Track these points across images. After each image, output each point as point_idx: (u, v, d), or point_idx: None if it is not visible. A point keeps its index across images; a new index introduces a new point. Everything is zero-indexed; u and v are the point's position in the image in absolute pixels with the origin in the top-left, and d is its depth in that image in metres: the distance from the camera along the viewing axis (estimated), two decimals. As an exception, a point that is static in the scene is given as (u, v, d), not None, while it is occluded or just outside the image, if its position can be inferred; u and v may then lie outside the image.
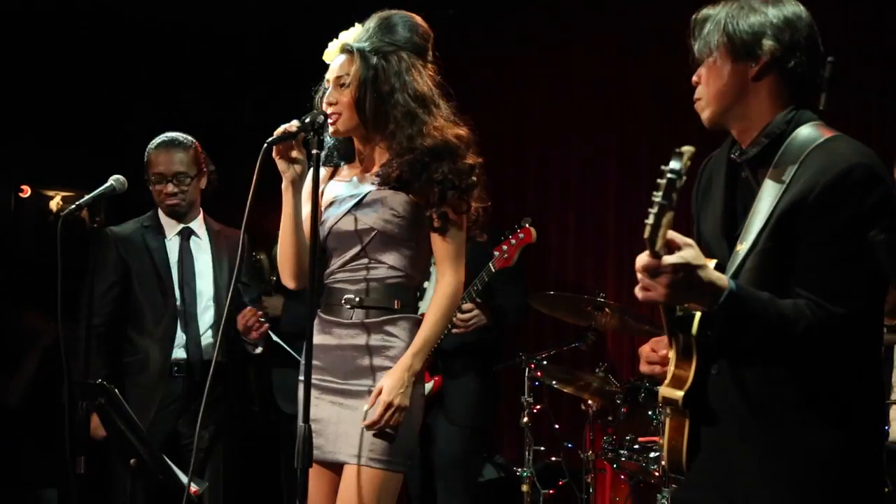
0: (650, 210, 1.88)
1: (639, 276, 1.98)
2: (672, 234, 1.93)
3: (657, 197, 1.86)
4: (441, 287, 2.86)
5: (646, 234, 1.91)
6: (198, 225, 3.85)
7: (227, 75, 5.51)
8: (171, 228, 3.81)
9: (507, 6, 5.51)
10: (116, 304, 3.75)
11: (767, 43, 2.17)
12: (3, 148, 5.14)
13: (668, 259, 1.92)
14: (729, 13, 2.19)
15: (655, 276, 1.94)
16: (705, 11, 2.24)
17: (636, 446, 3.88)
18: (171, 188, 3.72)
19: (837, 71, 2.75)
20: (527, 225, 4.20)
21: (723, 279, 2.00)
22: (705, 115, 2.24)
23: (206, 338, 3.77)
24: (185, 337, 3.71)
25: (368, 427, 2.70)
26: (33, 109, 5.08)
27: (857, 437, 2.15)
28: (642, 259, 1.94)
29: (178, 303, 3.74)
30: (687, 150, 1.87)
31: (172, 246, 3.79)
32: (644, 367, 2.33)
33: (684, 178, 1.85)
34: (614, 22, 5.29)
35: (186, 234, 3.81)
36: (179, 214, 3.80)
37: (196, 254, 3.81)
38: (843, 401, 2.14)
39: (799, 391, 2.13)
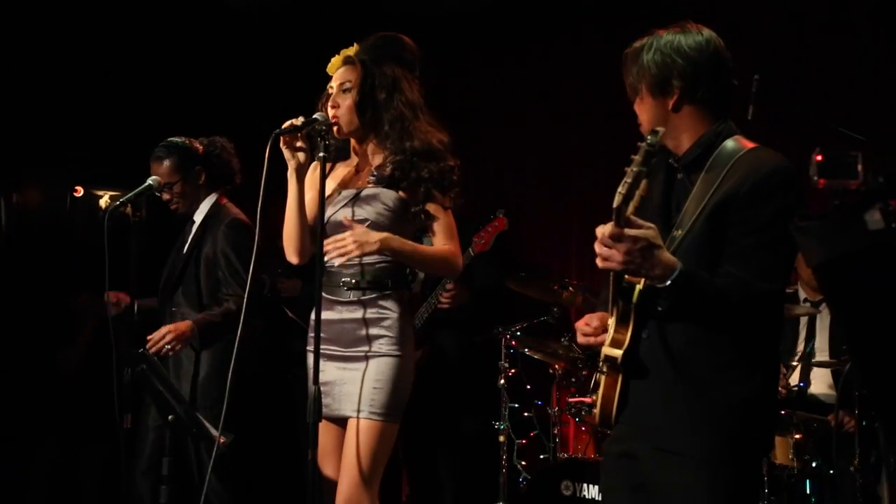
0: (625, 180, 1.93)
1: (598, 247, 2.02)
2: (634, 218, 1.99)
3: (636, 166, 1.94)
4: (443, 247, 2.87)
5: (616, 203, 1.96)
6: (198, 214, 3.79)
7: (253, 87, 5.50)
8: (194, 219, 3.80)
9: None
10: None
11: (675, 82, 2.23)
12: (60, 155, 5.14)
13: (631, 231, 1.97)
14: (645, 57, 2.26)
15: (617, 242, 1.97)
16: (635, 47, 2.30)
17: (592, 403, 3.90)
18: (165, 196, 3.68)
19: (763, 87, 2.75)
20: (500, 215, 4.24)
21: (674, 259, 2.04)
22: (660, 131, 2.27)
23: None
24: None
25: (335, 248, 2.69)
26: (84, 121, 5.06)
27: (760, 392, 2.22)
28: (606, 227, 1.98)
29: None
30: (660, 129, 2.00)
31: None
32: (581, 339, 2.36)
33: (658, 149, 1.95)
34: (570, 31, 5.30)
35: (190, 225, 3.79)
36: (184, 214, 3.78)
37: (188, 240, 3.77)
38: (751, 363, 2.20)
39: (717, 354, 2.19)
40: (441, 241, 2.88)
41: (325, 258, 2.74)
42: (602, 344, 2.27)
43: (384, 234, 2.72)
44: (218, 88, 5.39)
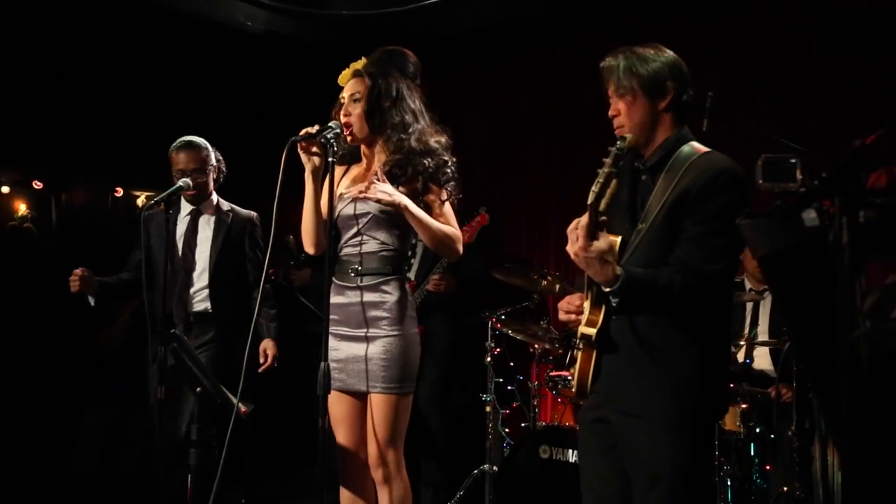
0: (598, 180, 1.97)
1: (569, 231, 2.09)
2: (602, 233, 2.05)
3: (607, 167, 1.99)
4: (449, 227, 2.84)
5: (590, 200, 1.99)
6: (206, 206, 3.75)
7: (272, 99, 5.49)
8: (185, 209, 3.73)
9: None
10: None
11: (670, 83, 2.22)
12: (103, 160, 5.13)
13: (594, 246, 2.04)
14: (631, 62, 2.24)
15: (584, 251, 2.05)
16: (609, 61, 2.28)
17: (568, 378, 3.89)
18: (188, 180, 3.58)
19: (715, 102, 2.75)
20: (483, 211, 4.25)
21: (617, 273, 2.09)
22: (628, 139, 2.26)
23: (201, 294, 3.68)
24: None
25: (361, 191, 2.68)
26: (124, 132, 5.05)
27: (712, 365, 2.23)
28: (582, 219, 2.06)
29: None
30: (629, 137, 2.08)
31: (182, 223, 3.71)
32: (562, 317, 2.37)
33: (627, 154, 2.04)
34: (547, 48, 5.28)
35: (195, 215, 3.72)
36: (196, 201, 3.72)
37: (200, 230, 3.72)
38: (704, 340, 2.21)
39: (675, 333, 2.20)
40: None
41: (352, 195, 2.72)
42: (580, 322, 2.29)
43: (406, 199, 2.70)
44: (236, 101, 5.37)
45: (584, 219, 2.05)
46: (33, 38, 4.75)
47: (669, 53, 2.28)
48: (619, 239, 2.17)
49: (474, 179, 5.33)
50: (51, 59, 4.83)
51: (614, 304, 2.14)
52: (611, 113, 2.29)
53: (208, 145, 3.74)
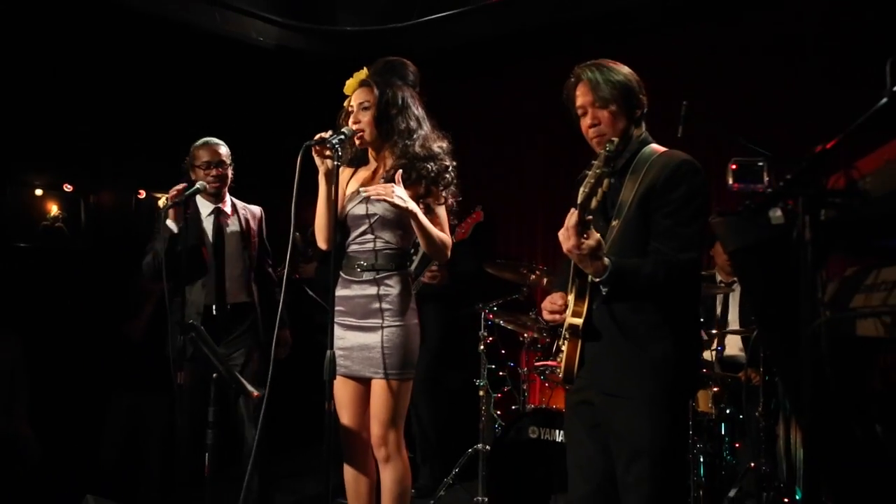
0: (588, 180, 1.97)
1: (561, 233, 2.08)
2: (591, 230, 2.06)
3: (598, 168, 2.01)
4: (444, 234, 2.85)
5: (580, 199, 1.98)
6: (225, 204, 3.70)
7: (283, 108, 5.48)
8: (206, 208, 3.65)
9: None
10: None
11: (641, 96, 2.25)
12: (127, 164, 5.13)
13: (585, 244, 2.04)
14: (611, 75, 2.26)
15: (577, 249, 2.04)
16: (586, 75, 2.29)
17: (555, 367, 3.90)
18: (214, 172, 3.57)
19: (689, 111, 2.76)
20: (478, 209, 4.25)
21: (606, 263, 2.10)
22: (616, 142, 2.27)
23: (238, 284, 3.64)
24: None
25: (374, 192, 2.67)
26: (145, 138, 5.05)
27: (685, 347, 2.25)
28: (572, 218, 2.05)
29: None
30: (616, 140, 2.06)
31: (208, 221, 3.64)
32: (547, 316, 2.36)
33: (616, 156, 2.04)
34: (535, 61, 5.26)
35: (217, 213, 3.66)
36: (218, 196, 3.64)
37: (226, 225, 3.67)
38: (677, 325, 2.23)
39: (651, 318, 2.22)
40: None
41: (369, 194, 2.69)
42: (564, 319, 2.30)
43: (414, 205, 2.70)
44: (249, 111, 5.37)
45: (573, 219, 2.04)
46: (65, 58, 4.75)
47: (626, 68, 2.32)
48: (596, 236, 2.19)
49: (469, 181, 5.33)
50: (80, 76, 4.84)
51: (604, 293, 2.15)
52: (590, 122, 2.28)
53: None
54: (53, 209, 5.09)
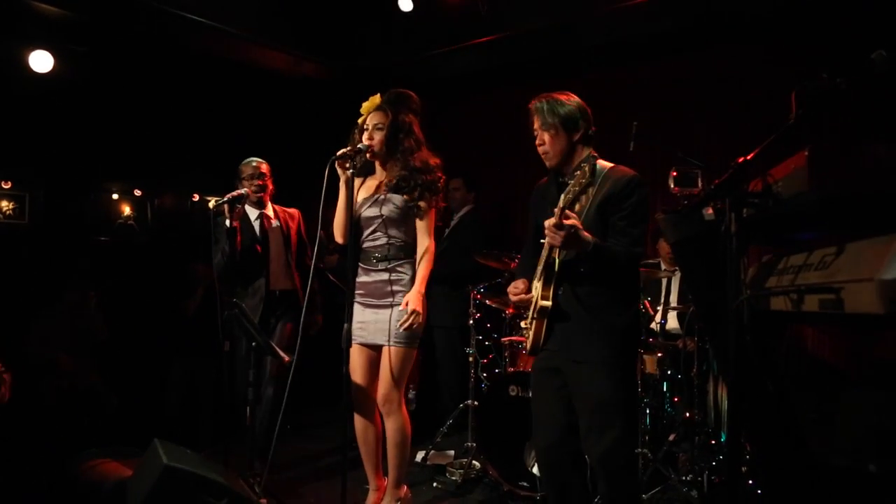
0: (573, 188, 1.95)
1: (548, 231, 2.08)
2: (570, 212, 2.05)
3: (584, 178, 2.02)
4: (423, 249, 2.83)
5: (561, 204, 1.97)
6: (268, 208, 3.69)
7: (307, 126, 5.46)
8: (253, 213, 3.65)
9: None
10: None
11: (581, 122, 2.23)
12: (183, 174, 5.12)
13: (567, 222, 2.03)
14: (552, 106, 2.26)
15: (560, 230, 2.02)
16: (535, 105, 2.29)
17: (519, 343, 3.88)
18: (257, 183, 3.58)
19: (639, 130, 2.75)
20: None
21: (590, 237, 2.09)
22: (552, 162, 2.31)
23: (285, 273, 3.63)
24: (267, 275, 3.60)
25: (405, 327, 2.72)
26: (197, 152, 5.03)
27: (634, 318, 2.27)
28: (552, 220, 2.05)
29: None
30: (595, 155, 2.11)
31: (256, 223, 3.64)
32: (514, 299, 2.36)
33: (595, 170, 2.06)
34: (522, 87, 5.22)
35: (261, 216, 3.65)
36: (260, 202, 3.64)
37: (271, 225, 3.66)
38: (626, 301, 2.25)
39: (607, 296, 2.21)
40: (422, 231, 2.85)
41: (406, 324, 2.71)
42: (527, 299, 2.31)
43: (416, 292, 2.73)
44: (278, 131, 5.33)
45: (554, 219, 2.05)
46: (136, 91, 4.74)
47: (576, 99, 2.31)
48: None
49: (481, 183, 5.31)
50: (148, 105, 4.82)
51: (583, 269, 2.16)
52: (538, 142, 2.31)
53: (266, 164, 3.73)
54: (126, 210, 5.09)
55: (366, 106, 2.87)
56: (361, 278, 2.83)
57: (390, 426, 2.82)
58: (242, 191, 3.45)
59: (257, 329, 2.96)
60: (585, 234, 2.08)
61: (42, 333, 4.12)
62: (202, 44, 4.51)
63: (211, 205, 3.45)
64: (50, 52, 4.25)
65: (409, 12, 4.62)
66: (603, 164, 2.28)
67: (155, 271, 4.85)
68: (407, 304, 2.74)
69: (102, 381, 4.20)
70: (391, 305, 2.78)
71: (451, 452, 4.05)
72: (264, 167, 3.64)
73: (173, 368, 4.46)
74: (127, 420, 4.09)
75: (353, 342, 2.79)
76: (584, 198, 1.97)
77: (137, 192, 5.10)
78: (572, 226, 2.03)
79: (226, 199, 3.35)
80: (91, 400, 4.09)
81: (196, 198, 5.31)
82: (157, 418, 4.29)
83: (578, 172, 1.98)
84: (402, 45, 5.04)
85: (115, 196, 5.04)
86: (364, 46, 5.19)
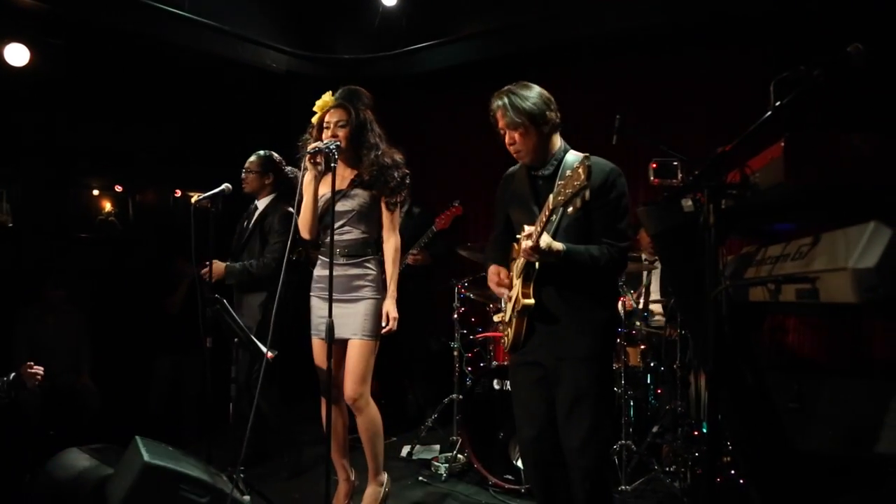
0: (564, 190, 1.88)
1: (523, 251, 2.09)
2: (546, 235, 2.05)
3: (580, 181, 1.84)
4: (389, 245, 2.85)
5: (551, 206, 1.98)
6: (262, 202, 3.71)
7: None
8: (262, 205, 3.70)
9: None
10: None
11: (549, 114, 2.19)
12: (167, 169, 5.06)
13: (541, 243, 2.04)
14: (519, 102, 2.17)
15: (536, 252, 2.04)
16: (497, 103, 2.22)
17: (501, 339, 3.88)
18: (242, 175, 3.67)
19: (622, 123, 2.73)
20: (457, 204, 4.20)
21: (561, 247, 2.09)
22: (526, 158, 2.26)
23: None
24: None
25: (386, 332, 2.77)
26: (179, 148, 4.98)
27: (614, 313, 2.28)
28: (529, 243, 2.05)
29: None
30: (589, 156, 1.88)
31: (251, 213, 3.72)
32: (495, 289, 2.34)
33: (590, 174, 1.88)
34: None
35: (253, 208, 3.71)
36: (248, 195, 3.70)
37: (253, 217, 3.69)
38: (605, 299, 2.24)
39: (587, 293, 2.21)
40: (388, 225, 2.86)
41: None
42: (507, 294, 2.31)
43: (391, 297, 2.79)
44: (262, 126, 5.27)
45: (530, 241, 2.05)
46: (115, 86, 4.67)
47: (537, 88, 2.23)
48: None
49: (448, 181, 5.30)
50: (128, 101, 4.76)
51: (564, 267, 2.14)
52: (508, 142, 2.25)
53: (270, 157, 3.73)
54: (107, 206, 5.02)
55: (320, 104, 2.85)
56: (322, 272, 2.81)
57: (362, 421, 2.83)
58: (223, 186, 3.41)
59: (239, 324, 2.93)
60: (557, 245, 2.09)
61: (26, 334, 4.07)
62: (181, 37, 4.45)
63: (192, 200, 3.41)
64: (26, 45, 4.17)
65: (392, 6, 4.58)
66: (576, 154, 2.25)
67: (137, 268, 4.80)
68: (375, 303, 2.78)
69: (88, 379, 4.16)
70: (359, 300, 2.78)
71: (437, 446, 4.06)
72: (250, 160, 3.71)
73: (157, 365, 4.42)
74: (110, 417, 4.06)
75: (314, 336, 2.82)
76: (578, 200, 1.84)
77: (118, 188, 5.03)
78: (547, 247, 2.05)
79: (209, 193, 3.30)
80: (74, 399, 4.05)
81: (178, 193, 5.25)
82: (141, 415, 4.25)
83: (570, 173, 1.87)
84: (384, 38, 5.01)
85: (95, 192, 4.97)
86: (346, 40, 5.15)
